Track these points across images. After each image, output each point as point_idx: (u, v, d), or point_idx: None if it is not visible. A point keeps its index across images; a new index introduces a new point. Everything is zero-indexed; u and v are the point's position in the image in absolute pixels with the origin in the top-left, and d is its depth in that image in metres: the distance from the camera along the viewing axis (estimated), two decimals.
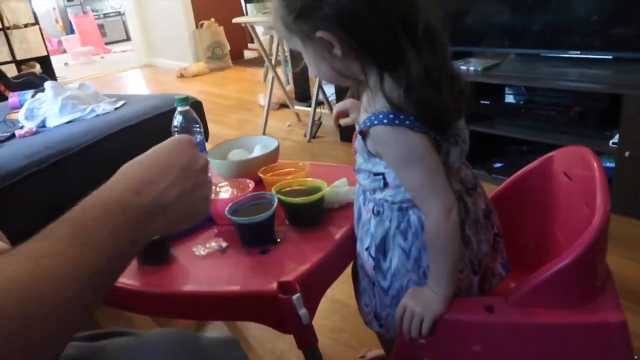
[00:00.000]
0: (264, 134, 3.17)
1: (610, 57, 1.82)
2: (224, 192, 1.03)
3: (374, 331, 0.95)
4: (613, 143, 1.72)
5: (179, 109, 1.13)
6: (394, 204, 0.80)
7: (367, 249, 0.85)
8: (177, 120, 1.14)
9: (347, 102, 0.95)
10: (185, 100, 1.13)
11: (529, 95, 2.03)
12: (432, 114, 0.72)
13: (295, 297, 0.75)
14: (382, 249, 0.83)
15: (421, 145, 0.73)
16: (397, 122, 0.71)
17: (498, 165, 2.20)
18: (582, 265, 0.70)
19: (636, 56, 1.75)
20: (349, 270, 0.96)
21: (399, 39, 0.70)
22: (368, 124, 0.74)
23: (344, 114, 0.97)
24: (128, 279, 0.85)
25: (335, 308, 1.44)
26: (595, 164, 0.83)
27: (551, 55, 1.97)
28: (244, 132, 3.27)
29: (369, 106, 0.75)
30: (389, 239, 0.82)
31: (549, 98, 1.96)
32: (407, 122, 0.71)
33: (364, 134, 0.77)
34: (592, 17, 1.80)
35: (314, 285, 0.83)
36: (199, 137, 1.16)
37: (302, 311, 0.76)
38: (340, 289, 1.51)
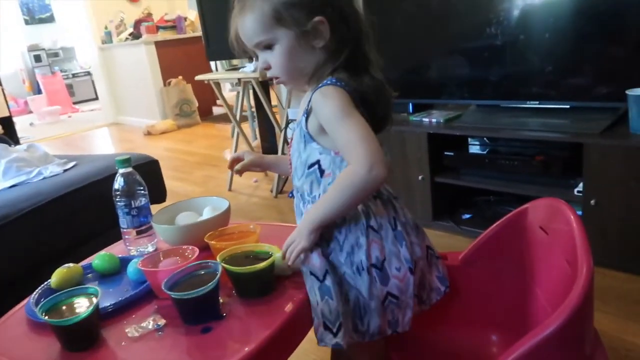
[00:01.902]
0: (229, 190, 3.09)
1: (568, 106, 1.84)
2: (167, 261, 0.94)
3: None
4: (578, 191, 1.70)
5: (120, 171, 1.06)
6: None
7: (311, 250, 0.85)
8: (118, 183, 1.06)
9: (239, 152, 1.08)
10: (126, 161, 1.05)
11: (492, 146, 2.02)
12: (373, 108, 0.82)
13: None
14: (327, 242, 0.86)
15: (352, 106, 0.79)
16: (338, 84, 0.81)
17: (466, 216, 2.16)
18: (569, 331, 0.63)
19: (592, 105, 1.78)
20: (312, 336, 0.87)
21: (362, 46, 0.84)
22: (312, 93, 0.82)
23: (239, 159, 1.06)
24: None
25: None
26: (572, 217, 0.79)
27: (511, 105, 1.99)
28: (209, 188, 3.18)
29: (311, 90, 0.84)
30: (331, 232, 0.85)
31: (512, 148, 1.96)
32: (347, 88, 0.80)
33: (308, 112, 0.84)
34: (547, 68, 1.83)
35: None
36: (143, 201, 1.08)
37: None
38: (305, 359, 1.40)
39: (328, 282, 0.82)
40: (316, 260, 0.84)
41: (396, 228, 0.86)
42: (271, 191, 2.92)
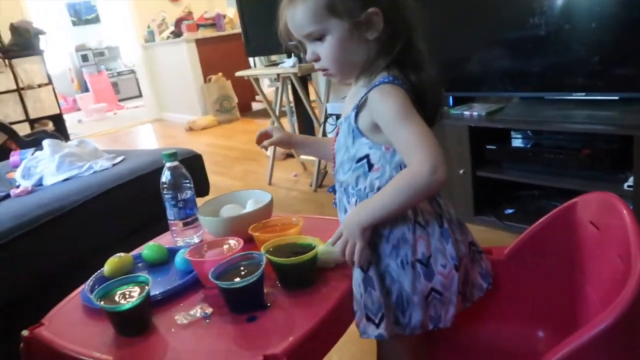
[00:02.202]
0: (269, 184, 3.13)
1: (617, 97, 1.77)
2: (213, 251, 0.97)
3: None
4: (628, 186, 1.64)
5: (167, 164, 1.09)
6: (378, 191, 0.82)
7: None
8: (165, 176, 1.09)
9: (268, 127, 1.08)
10: (172, 155, 1.09)
11: (536, 139, 1.97)
12: (428, 105, 0.82)
13: None
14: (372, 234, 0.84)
15: (412, 107, 0.79)
16: (396, 82, 0.79)
17: (509, 211, 2.12)
18: (621, 329, 0.61)
19: None
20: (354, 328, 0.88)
21: (414, 39, 0.83)
22: (366, 91, 0.81)
23: (267, 135, 1.07)
24: (101, 354, 0.78)
25: None
26: (625, 212, 0.76)
27: (555, 97, 1.93)
28: (249, 182, 3.24)
29: (363, 85, 0.83)
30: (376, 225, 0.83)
31: (557, 141, 1.90)
32: (398, 83, 0.79)
33: (359, 108, 0.83)
34: (594, 58, 1.76)
35: (306, 357, 0.75)
36: (189, 193, 1.12)
37: None
38: (348, 350, 1.41)
39: (371, 273, 0.82)
40: None
41: (442, 225, 0.84)
42: (310, 185, 2.94)
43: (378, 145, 0.83)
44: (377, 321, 0.82)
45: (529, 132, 1.96)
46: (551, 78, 1.90)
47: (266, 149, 1.10)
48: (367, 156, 0.84)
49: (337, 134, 0.92)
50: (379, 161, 0.83)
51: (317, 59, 0.85)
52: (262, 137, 1.08)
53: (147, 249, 1.07)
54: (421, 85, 0.82)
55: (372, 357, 1.01)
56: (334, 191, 0.96)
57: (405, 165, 0.80)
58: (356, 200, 0.86)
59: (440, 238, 0.84)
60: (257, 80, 3.14)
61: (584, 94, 1.81)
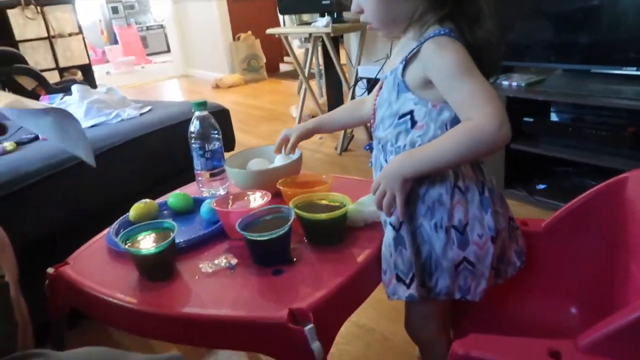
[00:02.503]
0: None
1: None
2: (239, 203, 0.95)
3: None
4: None
5: (197, 113, 1.06)
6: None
7: None
8: (194, 125, 1.07)
9: (284, 131, 1.05)
10: (202, 104, 1.06)
11: (577, 114, 1.88)
12: (483, 64, 0.75)
13: (307, 328, 0.65)
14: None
15: (471, 60, 0.73)
16: (452, 35, 0.74)
17: (541, 186, 2.05)
18: None
19: None
20: (376, 292, 0.86)
21: None
22: (418, 44, 0.75)
23: (286, 139, 1.04)
24: (126, 296, 0.77)
25: (360, 333, 1.33)
26: None
27: (602, 71, 1.82)
28: (274, 142, 3.18)
29: (413, 38, 0.78)
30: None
31: (600, 117, 1.81)
32: (454, 36, 0.74)
33: (408, 61, 0.77)
34: None
35: (331, 315, 0.73)
36: (217, 144, 1.09)
37: (315, 345, 0.66)
38: (366, 313, 1.40)
39: (403, 232, 0.79)
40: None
41: (483, 193, 0.80)
42: (335, 148, 2.90)
43: (424, 101, 0.78)
44: (407, 281, 0.79)
45: (570, 105, 1.86)
46: (600, 50, 1.79)
47: (293, 152, 1.04)
48: (411, 112, 0.79)
49: (380, 89, 0.87)
50: (423, 118, 0.78)
51: (361, 11, 0.81)
52: (282, 144, 1.05)
53: (172, 197, 1.06)
54: (477, 42, 0.75)
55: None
56: (371, 149, 0.92)
57: (451, 125, 0.76)
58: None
59: (480, 206, 0.79)
60: (287, 38, 3.06)
61: (635, 68, 1.70)
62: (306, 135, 1.04)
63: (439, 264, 0.80)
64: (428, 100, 0.78)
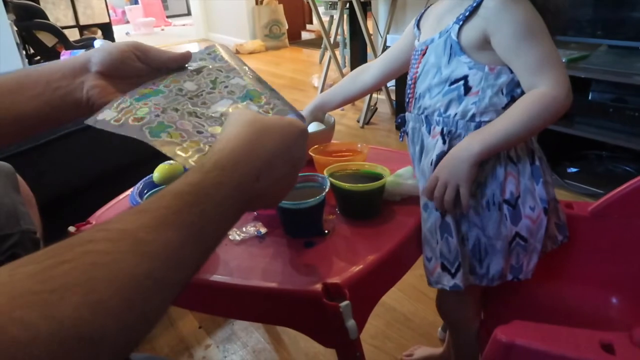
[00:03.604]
0: None
1: None
2: None
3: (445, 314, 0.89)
4: None
5: None
6: (472, 120, 0.72)
7: None
8: None
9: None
10: None
11: (618, 94, 1.78)
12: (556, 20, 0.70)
13: (343, 304, 0.61)
14: None
15: (540, 19, 0.68)
16: None
17: (572, 170, 1.97)
18: None
19: None
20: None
21: None
22: (478, 1, 0.69)
23: None
24: None
25: (380, 312, 1.30)
26: None
27: None
28: None
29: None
30: None
31: None
32: None
33: (466, 19, 0.71)
34: None
35: (367, 292, 0.68)
36: None
37: (350, 323, 0.62)
38: (388, 292, 1.36)
39: (448, 218, 0.74)
40: None
41: (534, 163, 0.75)
42: (358, 121, 2.83)
43: (481, 65, 0.71)
44: (453, 270, 0.75)
45: (613, 85, 1.76)
46: None
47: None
48: (465, 77, 0.72)
49: (423, 55, 0.79)
50: (479, 84, 0.71)
51: None
52: None
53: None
54: (548, 3, 0.70)
55: None
56: (403, 122, 0.86)
57: (507, 90, 0.70)
58: (442, 129, 0.75)
59: (531, 177, 0.74)
60: (314, 2, 2.95)
61: None
62: (318, 112, 0.97)
63: (491, 246, 0.75)
64: (484, 64, 0.71)
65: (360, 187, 0.77)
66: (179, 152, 0.49)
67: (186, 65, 0.62)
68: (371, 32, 3.22)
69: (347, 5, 2.86)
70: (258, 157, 0.45)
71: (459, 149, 0.71)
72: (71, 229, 0.85)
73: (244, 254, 0.73)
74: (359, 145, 0.95)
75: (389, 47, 2.75)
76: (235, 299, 0.70)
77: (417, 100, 0.80)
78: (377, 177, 0.81)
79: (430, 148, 0.77)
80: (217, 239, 0.41)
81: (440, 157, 0.74)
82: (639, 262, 0.88)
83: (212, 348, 1.23)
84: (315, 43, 5.29)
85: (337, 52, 3.75)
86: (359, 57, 3.15)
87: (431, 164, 0.75)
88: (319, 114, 0.97)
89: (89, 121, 0.54)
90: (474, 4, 0.70)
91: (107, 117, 0.54)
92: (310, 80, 3.80)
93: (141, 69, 0.60)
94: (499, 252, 0.75)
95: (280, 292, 0.66)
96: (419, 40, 0.82)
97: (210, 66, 0.62)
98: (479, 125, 0.72)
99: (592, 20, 1.83)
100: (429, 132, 0.78)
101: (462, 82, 0.73)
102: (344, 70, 3.35)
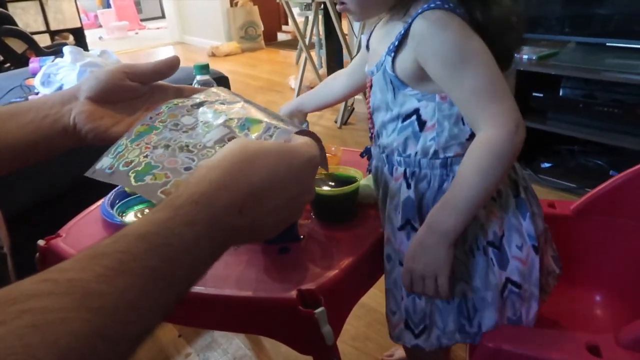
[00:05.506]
0: None
1: None
2: None
3: (406, 346, 0.77)
4: None
5: (198, 77, 0.99)
6: (435, 157, 0.65)
7: (402, 226, 0.68)
8: None
9: None
10: (205, 68, 0.99)
11: (588, 90, 1.81)
12: (496, 48, 0.59)
13: (318, 311, 0.61)
14: (420, 219, 0.67)
15: (477, 39, 0.58)
16: (447, 6, 0.58)
17: (546, 165, 2.01)
18: None
19: None
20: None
21: None
22: (407, 24, 0.60)
23: None
24: None
25: (361, 313, 1.30)
26: None
27: (619, 45, 1.76)
28: None
29: (400, 19, 0.63)
30: (427, 205, 0.66)
31: (614, 94, 1.75)
32: (457, 11, 0.58)
33: (397, 48, 0.62)
34: None
35: (342, 297, 0.68)
36: None
37: (326, 329, 0.61)
38: (367, 292, 1.36)
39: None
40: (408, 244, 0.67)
41: (518, 195, 0.67)
42: (335, 122, 2.83)
43: (430, 95, 0.63)
44: (417, 332, 0.70)
45: (582, 81, 1.80)
46: (618, 23, 1.72)
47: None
48: (416, 111, 0.64)
49: (371, 87, 0.71)
50: (433, 116, 0.63)
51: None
52: None
53: None
54: (491, 23, 0.60)
55: None
56: (368, 155, 0.81)
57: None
58: (405, 171, 0.67)
59: (516, 211, 0.66)
60: (288, 4, 2.95)
61: None
62: (297, 113, 0.91)
63: (481, 300, 0.67)
64: (434, 93, 0.62)
65: (333, 191, 0.77)
66: (160, 195, 0.46)
67: (188, 99, 0.59)
68: (346, 32, 3.23)
69: (322, 6, 2.87)
70: (239, 189, 0.40)
71: (428, 232, 0.63)
72: (40, 242, 0.83)
73: (218, 263, 0.72)
74: (333, 148, 0.95)
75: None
76: (210, 309, 0.69)
77: (377, 136, 0.73)
78: (351, 180, 0.81)
79: (394, 192, 0.69)
80: (190, 283, 0.37)
81: (407, 203, 0.67)
82: (622, 260, 0.89)
83: (192, 357, 1.22)
84: (291, 44, 5.29)
85: (313, 53, 3.76)
86: (334, 57, 3.16)
87: (397, 212, 0.68)
88: (298, 115, 0.92)
89: (88, 173, 0.52)
90: (402, 32, 0.62)
91: (103, 165, 0.52)
92: (287, 81, 3.79)
93: (135, 88, 0.59)
94: (491, 305, 0.66)
95: (254, 300, 0.65)
96: (367, 67, 0.72)
97: (211, 99, 0.60)
98: (445, 162, 0.65)
99: (560, 17, 1.87)
100: (392, 174, 0.70)
101: (414, 116, 0.64)
102: (320, 71, 3.35)
